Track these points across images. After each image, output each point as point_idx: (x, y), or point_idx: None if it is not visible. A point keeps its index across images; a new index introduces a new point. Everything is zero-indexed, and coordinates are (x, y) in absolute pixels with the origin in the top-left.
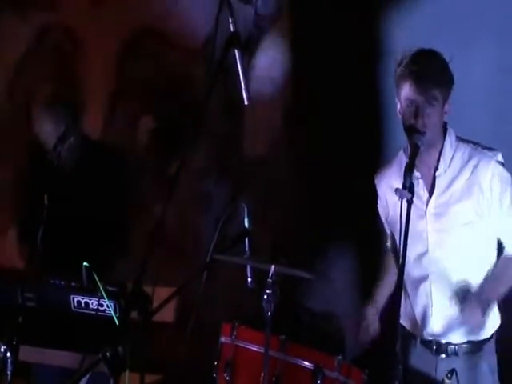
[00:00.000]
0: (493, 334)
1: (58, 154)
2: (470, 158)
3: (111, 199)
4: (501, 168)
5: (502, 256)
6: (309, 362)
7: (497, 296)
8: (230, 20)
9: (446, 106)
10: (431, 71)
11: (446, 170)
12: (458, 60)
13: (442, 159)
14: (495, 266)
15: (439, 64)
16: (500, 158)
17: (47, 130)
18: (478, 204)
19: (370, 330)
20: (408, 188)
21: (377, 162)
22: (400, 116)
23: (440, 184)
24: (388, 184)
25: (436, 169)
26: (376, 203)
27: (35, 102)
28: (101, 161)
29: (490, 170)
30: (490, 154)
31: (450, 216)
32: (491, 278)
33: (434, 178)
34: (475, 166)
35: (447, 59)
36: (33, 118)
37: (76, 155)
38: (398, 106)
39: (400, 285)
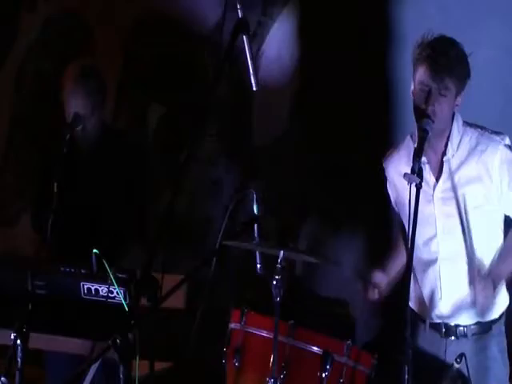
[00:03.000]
0: (502, 315)
1: (82, 129)
2: (477, 143)
3: (129, 186)
4: (509, 152)
5: (511, 231)
6: (318, 347)
7: (507, 272)
8: (238, 6)
9: (458, 99)
10: (448, 60)
11: (453, 155)
12: (464, 41)
13: (449, 144)
14: (504, 241)
15: (457, 55)
16: (508, 141)
17: (76, 102)
18: (486, 188)
19: (379, 289)
20: (417, 173)
21: (386, 147)
22: (412, 97)
23: (447, 169)
24: (396, 168)
25: (444, 154)
26: (384, 188)
27: (65, 76)
28: (120, 146)
29: (499, 154)
30: (497, 138)
31: (458, 200)
32: (501, 256)
33: (442, 162)
34: (483, 151)
35: (467, 52)
36: (64, 92)
37: (95, 138)
38: (412, 87)
39: (409, 268)
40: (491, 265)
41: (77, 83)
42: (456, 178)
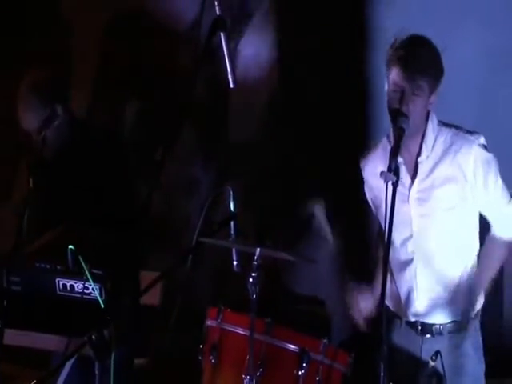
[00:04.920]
0: (478, 313)
1: (42, 138)
2: (452, 143)
3: (107, 183)
4: (483, 151)
5: (489, 236)
6: (294, 345)
7: (488, 281)
8: (216, 3)
9: (433, 97)
10: (420, 60)
11: (428, 156)
12: (443, 42)
13: (424, 145)
14: (483, 248)
15: (430, 54)
16: (482, 140)
17: (28, 115)
18: (461, 188)
19: (365, 314)
20: (393, 171)
21: (363, 146)
22: (386, 97)
23: (422, 169)
24: (372, 169)
25: (418, 155)
26: (363, 188)
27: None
28: (94, 146)
29: (473, 154)
30: (471, 138)
31: (433, 201)
32: (481, 264)
33: (417, 163)
34: (457, 151)
35: (440, 48)
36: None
37: (64, 138)
38: (386, 87)
39: (385, 267)
40: (467, 273)
41: (20, 100)
42: (431, 179)
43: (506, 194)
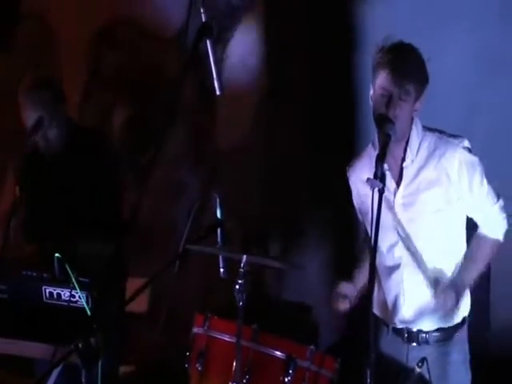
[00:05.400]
0: (464, 320)
1: (45, 137)
2: (436, 148)
3: (100, 187)
4: (467, 154)
5: (475, 234)
6: (281, 351)
7: (472, 279)
8: (202, 10)
9: (417, 104)
10: (409, 66)
11: (412, 161)
12: (430, 46)
13: (408, 150)
14: (468, 246)
15: (417, 60)
16: (466, 143)
17: (30, 114)
18: (446, 192)
19: (348, 299)
20: (379, 178)
21: (351, 151)
22: (371, 103)
23: (407, 174)
24: (359, 176)
25: (403, 160)
26: (350, 194)
27: (19, 90)
28: (89, 148)
29: (457, 158)
30: (456, 141)
31: (419, 205)
32: (465, 262)
33: (401, 168)
34: (442, 155)
35: (425, 57)
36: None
37: (59, 145)
38: (371, 92)
39: (372, 274)
40: (454, 274)
41: (27, 96)
42: (416, 184)
43: (491, 195)
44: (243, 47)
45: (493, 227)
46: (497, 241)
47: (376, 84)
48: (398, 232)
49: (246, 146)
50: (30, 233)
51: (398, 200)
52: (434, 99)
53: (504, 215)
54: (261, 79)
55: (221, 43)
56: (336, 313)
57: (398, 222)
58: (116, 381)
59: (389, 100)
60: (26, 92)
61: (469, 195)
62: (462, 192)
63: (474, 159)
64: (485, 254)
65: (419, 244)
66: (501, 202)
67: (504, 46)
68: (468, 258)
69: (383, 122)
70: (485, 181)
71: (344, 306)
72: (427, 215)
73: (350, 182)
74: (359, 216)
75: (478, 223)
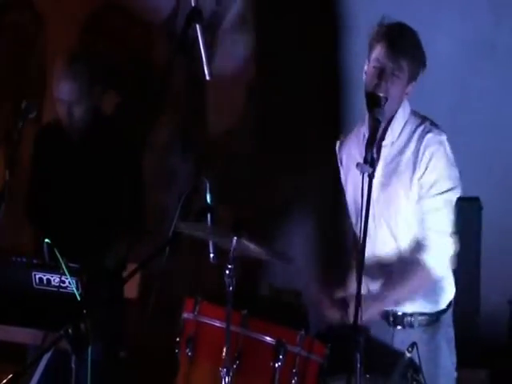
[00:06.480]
0: (450, 304)
1: (70, 113)
2: (415, 133)
3: (124, 174)
4: (442, 147)
5: (413, 259)
6: (271, 337)
7: (393, 301)
8: None
9: (410, 88)
10: (405, 42)
11: (393, 143)
12: (421, 35)
13: (389, 130)
14: (403, 268)
15: (414, 40)
16: (444, 136)
17: (63, 86)
18: (413, 178)
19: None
20: (369, 162)
21: (337, 136)
22: (364, 77)
23: (386, 154)
24: (348, 152)
25: (382, 139)
26: (338, 178)
27: (55, 65)
28: (112, 134)
29: (432, 147)
30: (436, 131)
31: (393, 187)
32: (390, 283)
33: (380, 146)
34: (420, 141)
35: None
36: (53, 80)
37: (84, 125)
38: (365, 68)
39: (362, 257)
40: (384, 286)
41: (63, 69)
42: (394, 165)
43: (450, 223)
44: (232, 35)
45: (437, 258)
46: (435, 279)
47: (371, 58)
48: (374, 211)
49: (237, 132)
50: (34, 208)
51: (377, 178)
52: (423, 85)
53: (451, 252)
54: (250, 66)
55: (210, 31)
56: (330, 320)
57: (374, 202)
58: (107, 367)
59: (381, 72)
60: (61, 66)
61: (426, 195)
62: (424, 183)
63: (447, 154)
64: (417, 285)
65: (393, 224)
66: (454, 238)
67: (493, 32)
68: (394, 278)
69: (373, 105)
70: (451, 194)
71: (339, 314)
72: (398, 198)
73: (338, 157)
74: (345, 192)
75: (425, 245)
